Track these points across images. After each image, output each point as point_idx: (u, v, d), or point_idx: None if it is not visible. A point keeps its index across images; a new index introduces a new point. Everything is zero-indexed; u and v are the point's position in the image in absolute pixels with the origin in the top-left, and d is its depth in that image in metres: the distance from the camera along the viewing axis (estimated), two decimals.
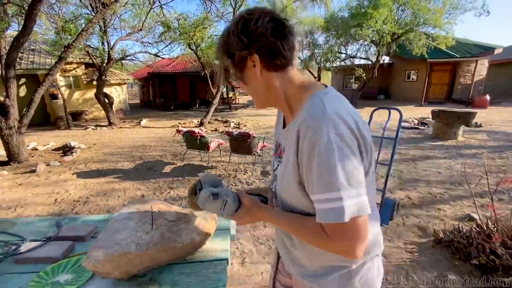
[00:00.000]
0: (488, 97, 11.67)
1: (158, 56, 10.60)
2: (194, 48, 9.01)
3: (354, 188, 0.54)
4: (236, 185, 3.85)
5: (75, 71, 10.15)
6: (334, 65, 14.20)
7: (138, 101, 19.56)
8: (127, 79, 12.96)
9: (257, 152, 4.22)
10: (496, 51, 12.92)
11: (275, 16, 0.60)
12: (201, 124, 8.83)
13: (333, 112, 0.55)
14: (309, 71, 15.75)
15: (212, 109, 8.97)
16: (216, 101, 9.04)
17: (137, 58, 10.45)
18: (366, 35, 10.81)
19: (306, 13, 8.36)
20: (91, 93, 11.16)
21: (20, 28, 4.50)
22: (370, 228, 0.58)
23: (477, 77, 13.54)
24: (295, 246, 0.75)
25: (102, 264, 0.87)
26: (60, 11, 6.82)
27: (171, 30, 8.28)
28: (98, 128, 9.00)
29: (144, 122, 9.76)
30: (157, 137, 7.37)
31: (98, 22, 6.40)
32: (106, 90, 9.52)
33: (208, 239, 1.14)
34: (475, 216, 2.76)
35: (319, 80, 16.33)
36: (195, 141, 4.30)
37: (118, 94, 12.19)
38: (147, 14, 8.34)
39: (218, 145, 4.71)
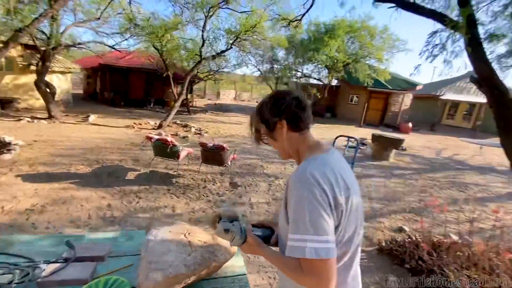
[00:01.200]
0: (410, 124, 14.11)
1: (114, 49, 9.84)
2: (159, 48, 8.68)
3: (319, 235, 0.69)
4: (207, 196, 3.96)
5: (9, 51, 8.67)
6: (291, 80, 15.23)
7: (81, 92, 17.47)
8: (73, 67, 11.58)
9: (228, 164, 4.41)
10: (418, 87, 15.77)
11: (297, 95, 0.88)
12: (159, 126, 8.50)
13: (311, 175, 0.73)
14: (268, 85, 16.57)
15: (173, 112, 8.75)
16: (178, 104, 8.84)
17: (89, 48, 9.50)
18: (322, 60, 12.03)
19: (274, 32, 8.89)
20: (26, 79, 9.67)
21: None
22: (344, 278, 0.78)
23: (403, 106, 16.24)
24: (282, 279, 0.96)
25: (160, 284, 1.01)
26: None
27: (137, 26, 7.83)
28: (35, 120, 7.86)
29: (92, 118, 8.89)
30: (111, 138, 6.86)
31: (62, 8, 5.73)
32: (46, 78, 8.39)
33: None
34: (406, 228, 3.50)
35: None
36: (165, 149, 4.26)
37: (61, 84, 10.80)
38: (109, 3, 7.75)
39: (187, 153, 4.73)
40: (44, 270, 1.16)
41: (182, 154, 4.46)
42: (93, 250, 1.37)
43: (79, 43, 8.82)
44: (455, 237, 3.04)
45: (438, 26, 2.53)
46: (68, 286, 1.13)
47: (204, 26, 8.09)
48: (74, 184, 3.85)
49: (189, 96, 15.25)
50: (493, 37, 2.48)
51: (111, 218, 3.08)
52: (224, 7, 7.73)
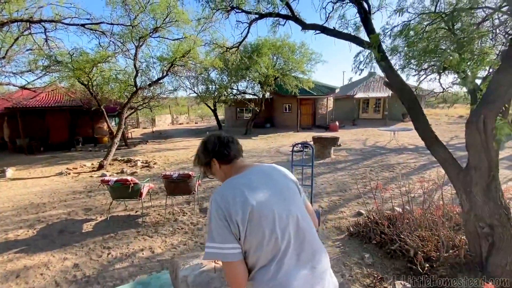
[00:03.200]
0: (337, 123, 16.20)
1: (27, 89, 8.55)
2: (86, 83, 7.94)
3: (215, 242, 0.88)
4: (182, 228, 3.87)
5: None
6: (229, 98, 15.74)
7: None
8: None
9: (195, 191, 4.40)
10: (336, 91, 18.32)
11: (219, 136, 1.11)
12: (100, 167, 7.69)
13: (213, 196, 0.95)
14: (206, 104, 16.69)
15: (114, 149, 8.05)
16: (117, 140, 8.18)
17: None
18: (254, 77, 12.92)
19: (208, 56, 9.20)
20: None
21: None
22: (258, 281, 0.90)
23: (328, 108, 18.56)
24: None
25: None
26: None
27: (59, 63, 7.01)
28: None
29: (10, 172, 7.43)
30: (45, 190, 5.91)
31: None
32: None
33: None
34: (362, 211, 4.13)
35: (214, 110, 17.49)
36: (125, 190, 3.99)
37: None
38: (15, 41, 6.80)
39: (148, 189, 4.51)
40: None
41: (144, 191, 4.25)
42: None
43: None
44: (398, 209, 3.78)
45: (353, 46, 3.25)
46: None
47: (135, 56, 7.83)
48: (22, 253, 3.26)
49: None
50: (392, 50, 3.30)
51: (85, 279, 2.75)
52: (155, 36, 7.69)
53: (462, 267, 2.66)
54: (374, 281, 2.60)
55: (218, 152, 1.07)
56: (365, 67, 2.92)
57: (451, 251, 2.72)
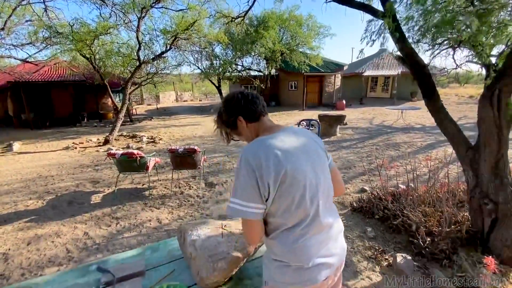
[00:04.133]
0: (344, 101, 15.87)
1: (28, 62, 8.44)
2: (89, 56, 7.77)
3: (240, 199, 0.86)
4: (188, 201, 3.95)
5: None
6: (233, 74, 15.39)
7: None
8: None
9: (201, 166, 4.44)
10: (345, 68, 17.73)
11: (242, 92, 1.04)
12: (106, 142, 7.77)
13: (244, 153, 0.89)
14: (211, 81, 16.38)
15: (119, 124, 8.07)
16: (122, 115, 8.17)
17: None
18: (260, 52, 12.50)
19: (213, 29, 8.84)
20: None
21: None
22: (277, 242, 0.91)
23: (336, 86, 18.10)
24: None
25: (226, 271, 1.15)
26: None
27: (59, 34, 6.81)
28: None
29: (17, 147, 7.56)
30: (53, 164, 6.03)
31: None
32: None
33: None
34: (366, 188, 4.15)
35: (219, 87, 17.21)
36: (132, 164, 4.04)
37: None
38: (14, 10, 6.58)
39: (155, 163, 4.57)
40: None
41: (151, 164, 4.30)
42: (130, 268, 1.39)
43: None
44: (403, 186, 3.78)
45: (366, 16, 3.06)
46: None
47: (138, 28, 7.55)
48: (32, 222, 3.39)
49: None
50: (407, 19, 3.14)
51: (95, 246, 2.87)
52: (158, 7, 7.35)
53: (463, 241, 2.70)
54: (375, 253, 2.65)
55: (244, 108, 1.00)
56: (377, 38, 2.76)
57: (453, 226, 2.74)
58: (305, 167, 0.90)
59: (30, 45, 8.09)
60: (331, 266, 0.96)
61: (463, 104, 16.07)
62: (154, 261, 1.48)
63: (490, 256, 2.26)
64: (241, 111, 1.01)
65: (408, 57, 2.89)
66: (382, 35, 2.93)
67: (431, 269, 2.41)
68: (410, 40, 2.94)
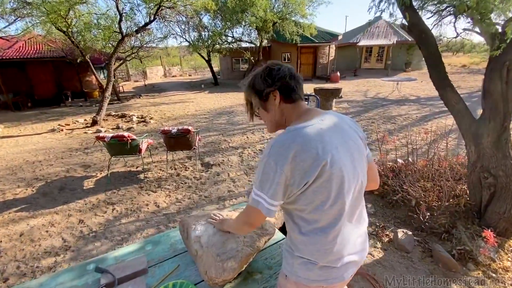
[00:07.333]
0: (338, 73, 15.52)
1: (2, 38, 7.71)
2: (65, 29, 7.10)
3: (265, 194, 0.78)
4: (185, 183, 3.86)
5: None
6: (223, 47, 14.65)
7: None
8: None
9: (196, 146, 4.29)
10: (339, 37, 17.07)
11: (291, 67, 0.91)
12: (94, 123, 7.44)
13: (275, 142, 0.77)
14: (200, 54, 15.59)
15: (106, 103, 7.67)
16: (108, 93, 7.75)
17: None
18: (251, 22, 11.77)
19: None
20: None
21: None
22: (308, 243, 0.83)
23: (330, 58, 17.56)
24: None
25: (235, 270, 1.07)
26: None
27: (29, 4, 6.10)
28: None
29: None
30: (38, 148, 5.76)
31: None
32: None
33: None
34: None
35: (209, 61, 16.44)
36: (123, 147, 3.85)
37: None
38: None
39: (148, 145, 4.39)
40: None
41: (143, 147, 4.13)
42: (130, 266, 1.31)
43: None
44: (400, 161, 3.77)
45: None
46: None
47: None
48: (23, 211, 3.26)
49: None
50: None
51: (92, 234, 2.80)
52: None
53: (460, 215, 2.74)
54: (376, 229, 2.68)
55: (285, 83, 0.86)
56: (387, 7, 2.53)
57: (451, 200, 2.77)
58: (344, 160, 0.80)
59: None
60: (357, 263, 0.92)
61: (455, 73, 15.96)
62: (156, 256, 1.40)
63: (489, 230, 2.30)
64: (281, 84, 0.87)
65: (414, 26, 2.70)
66: (392, 2, 2.70)
67: (430, 243, 2.45)
68: (416, 7, 2.72)
